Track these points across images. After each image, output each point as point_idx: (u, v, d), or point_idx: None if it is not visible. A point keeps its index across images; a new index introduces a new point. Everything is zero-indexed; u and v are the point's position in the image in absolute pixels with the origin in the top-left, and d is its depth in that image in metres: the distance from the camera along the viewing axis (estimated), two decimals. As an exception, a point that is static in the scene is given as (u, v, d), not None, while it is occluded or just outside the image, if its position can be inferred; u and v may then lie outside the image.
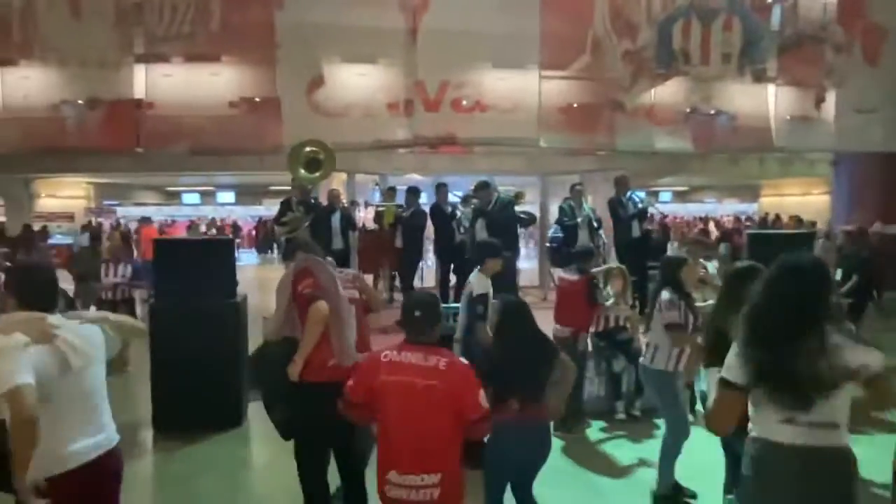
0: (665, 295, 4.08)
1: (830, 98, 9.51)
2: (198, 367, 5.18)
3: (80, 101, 8.09)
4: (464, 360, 2.74)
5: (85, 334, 2.38)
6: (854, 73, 9.13)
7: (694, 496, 4.08)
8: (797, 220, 14.59)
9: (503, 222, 6.92)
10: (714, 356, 3.03)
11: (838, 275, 7.29)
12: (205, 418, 5.29)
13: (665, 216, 15.74)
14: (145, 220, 13.58)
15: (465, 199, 8.13)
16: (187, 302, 5.21)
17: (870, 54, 9.10)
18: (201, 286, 5.21)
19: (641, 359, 4.29)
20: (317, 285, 3.35)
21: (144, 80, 8.03)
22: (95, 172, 17.99)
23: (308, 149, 6.44)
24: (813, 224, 13.44)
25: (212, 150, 9.10)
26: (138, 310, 7.67)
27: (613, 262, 6.64)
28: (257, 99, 8.26)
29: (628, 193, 7.95)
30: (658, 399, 4.30)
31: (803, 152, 12.96)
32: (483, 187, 7.00)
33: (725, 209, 26.76)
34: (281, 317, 3.50)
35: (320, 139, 6.70)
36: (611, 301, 5.61)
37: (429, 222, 8.34)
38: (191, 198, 27.35)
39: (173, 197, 27.62)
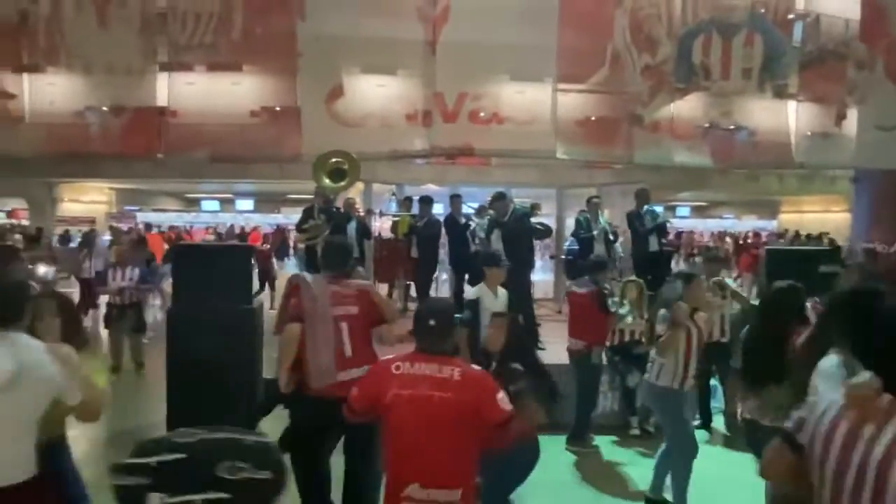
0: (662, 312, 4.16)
1: (852, 115, 9.40)
2: (213, 372, 5.20)
3: (104, 108, 8.22)
4: (477, 367, 2.68)
5: (22, 359, 2.09)
6: (876, 89, 9.03)
7: None
8: (826, 239, 14.40)
9: (519, 234, 6.91)
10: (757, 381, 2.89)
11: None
12: (219, 423, 5.30)
13: (680, 232, 15.59)
14: (149, 228, 13.83)
15: (480, 211, 8.14)
16: (204, 307, 5.26)
17: (892, 71, 8.99)
18: (219, 292, 5.25)
19: (646, 375, 4.26)
20: (297, 306, 3.47)
21: (167, 88, 8.16)
22: (117, 178, 18.28)
23: (334, 159, 6.51)
24: (831, 241, 13.29)
25: (231, 158, 9.22)
26: (148, 315, 7.74)
27: (630, 276, 6.59)
28: (278, 108, 8.35)
29: (646, 207, 7.92)
30: (661, 417, 4.30)
31: (823, 169, 12.82)
32: (499, 198, 7.00)
33: (744, 225, 26.51)
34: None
35: (345, 150, 6.78)
36: (626, 310, 5.57)
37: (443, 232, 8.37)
38: (210, 205, 27.67)
39: (193, 204, 27.96)
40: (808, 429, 1.63)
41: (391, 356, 2.64)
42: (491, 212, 7.40)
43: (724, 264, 6.10)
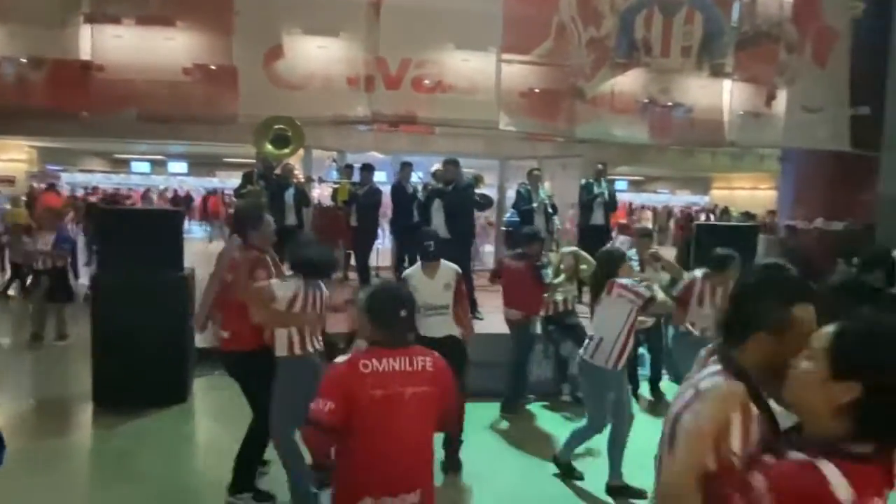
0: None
1: (781, 96, 9.78)
2: (141, 341, 5.06)
3: (22, 60, 7.69)
4: (437, 354, 2.44)
5: None
6: (804, 72, 9.39)
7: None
8: (746, 215, 15.08)
9: (461, 205, 6.92)
10: None
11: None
12: (148, 394, 5.17)
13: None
14: (50, 188, 13.12)
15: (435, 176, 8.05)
16: (131, 275, 5.06)
17: (820, 55, 9.37)
18: (147, 259, 5.06)
19: (581, 351, 4.26)
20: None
21: (92, 41, 7.68)
22: (38, 135, 17.16)
23: (277, 126, 6.30)
24: (752, 217, 13.89)
25: (162, 117, 8.78)
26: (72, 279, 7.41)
27: (568, 248, 6.71)
28: (213, 67, 8.00)
29: (601, 181, 8.12)
30: (585, 392, 4.44)
31: (753, 148, 13.33)
32: (453, 163, 6.99)
33: (679, 200, 27.40)
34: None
35: (285, 113, 6.57)
36: (561, 279, 5.67)
37: (386, 200, 8.27)
38: (140, 166, 26.40)
39: (122, 165, 26.61)
40: None
41: (347, 356, 2.31)
42: (432, 182, 7.37)
43: (652, 238, 6.41)
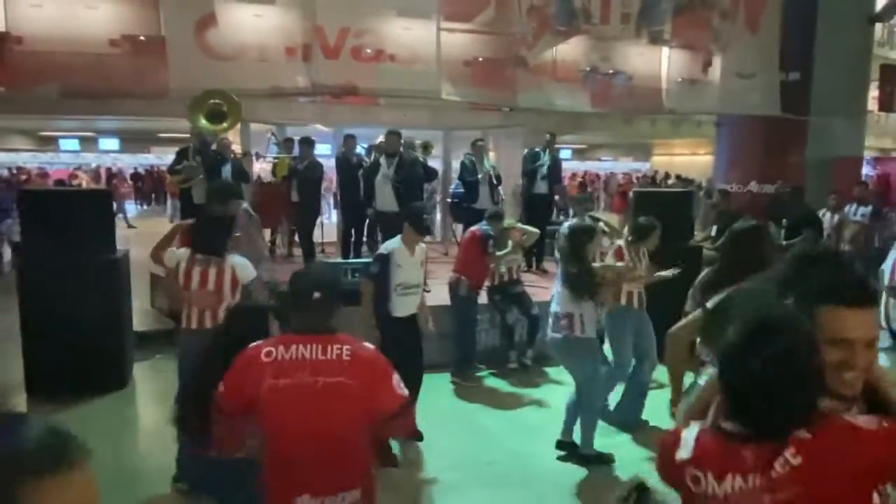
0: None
1: (716, 62, 10.00)
2: (74, 326, 4.85)
3: (-66, 33, 7.12)
4: (368, 345, 2.25)
5: None
6: (737, 39, 9.61)
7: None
8: (682, 180, 15.52)
9: (410, 180, 6.90)
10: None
11: (713, 231, 7.84)
12: (85, 380, 5.00)
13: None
14: None
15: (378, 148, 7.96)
16: (60, 258, 4.83)
17: (752, 21, 9.60)
18: (76, 241, 4.84)
19: (556, 333, 4.13)
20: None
21: (9, 12, 7.16)
22: (-48, 113, 16.05)
23: (212, 100, 6.07)
24: (690, 181, 14.30)
25: (88, 93, 8.31)
26: None
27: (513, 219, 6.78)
28: (142, 38, 7.58)
29: (542, 150, 8.17)
30: (568, 365, 4.28)
31: (690, 114, 13.65)
32: (396, 135, 6.95)
33: (621, 167, 27.97)
34: None
35: (220, 86, 6.33)
36: (507, 251, 5.74)
37: (330, 174, 8.14)
38: (69, 144, 25.08)
39: (49, 142, 25.24)
40: None
41: (260, 342, 2.18)
42: (377, 154, 7.28)
43: (591, 205, 6.63)
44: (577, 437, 4.22)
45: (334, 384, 2.06)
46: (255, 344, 2.17)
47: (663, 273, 4.59)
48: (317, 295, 2.15)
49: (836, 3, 10.11)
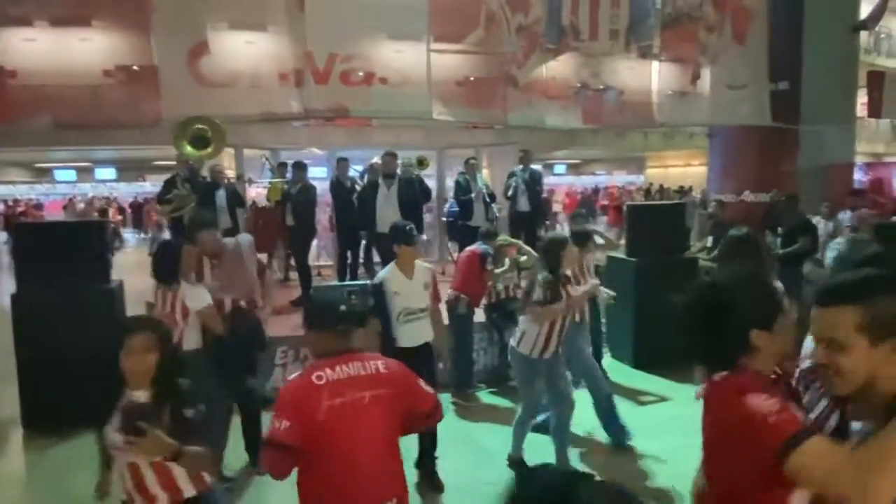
0: (541, 276, 3.92)
1: (705, 74, 10.10)
2: (70, 358, 4.81)
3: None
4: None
5: None
6: (725, 51, 9.72)
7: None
8: (682, 191, 15.55)
9: (407, 200, 6.93)
10: None
11: (709, 241, 7.85)
12: (82, 414, 4.88)
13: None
14: None
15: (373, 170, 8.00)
16: (55, 290, 4.82)
17: (739, 34, 9.71)
18: (70, 272, 4.83)
19: (512, 340, 4.19)
20: None
21: (2, 46, 7.25)
22: (-52, 147, 16.12)
23: (196, 126, 6.09)
24: (685, 192, 14.28)
25: (80, 123, 8.36)
26: None
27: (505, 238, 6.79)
28: (135, 67, 7.66)
29: (520, 168, 8.17)
30: (516, 380, 4.44)
31: (681, 127, 13.74)
32: (391, 156, 6.98)
33: (616, 180, 28.08)
34: None
35: (209, 113, 6.37)
36: (502, 269, 5.75)
37: (324, 198, 8.15)
38: (65, 174, 25.18)
39: (44, 174, 25.33)
40: None
41: (299, 372, 2.31)
42: (370, 175, 7.30)
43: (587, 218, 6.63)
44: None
45: (381, 396, 2.23)
46: (297, 375, 2.29)
47: (586, 289, 4.37)
48: (343, 316, 2.32)
49: (821, 13, 10.25)
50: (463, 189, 7.91)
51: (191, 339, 3.79)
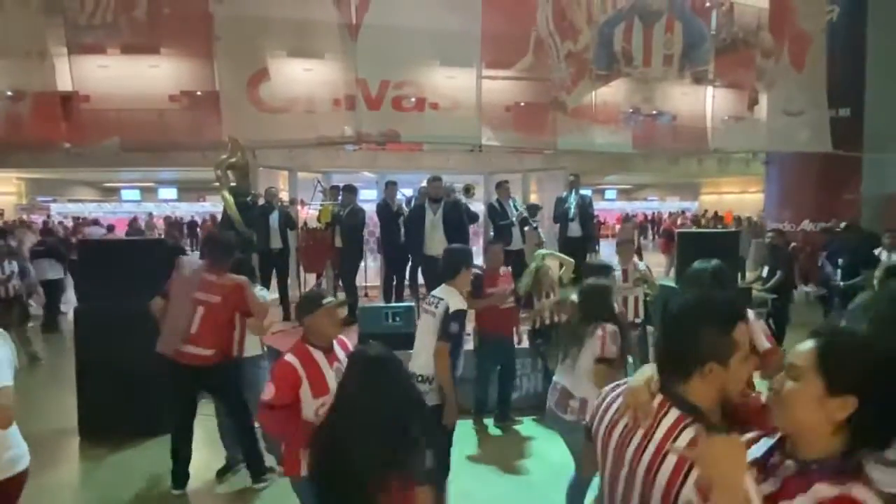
0: (609, 327, 3.50)
1: (763, 100, 9.87)
2: (126, 372, 5.01)
3: (9, 93, 7.71)
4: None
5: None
6: (782, 77, 9.50)
7: None
8: (741, 220, 15.12)
9: (453, 222, 6.98)
10: None
11: (765, 271, 7.59)
12: (135, 425, 5.13)
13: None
14: None
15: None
16: (114, 305, 5.04)
17: (796, 60, 9.48)
18: (128, 288, 5.04)
19: (569, 413, 3.63)
20: (168, 283, 4.34)
21: (77, 72, 7.71)
22: (25, 168, 17.19)
23: (229, 160, 6.58)
24: (739, 221, 13.90)
25: (146, 146, 8.81)
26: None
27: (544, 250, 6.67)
28: (199, 93, 8.04)
29: (572, 192, 8.14)
30: (575, 452, 3.72)
31: (737, 153, 13.43)
32: (437, 180, 7.08)
33: (668, 207, 27.53)
34: None
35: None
36: (553, 299, 5.68)
37: (372, 220, 8.30)
38: (130, 194, 26.44)
39: (111, 193, 26.64)
40: (593, 420, 1.68)
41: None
42: (419, 198, 7.38)
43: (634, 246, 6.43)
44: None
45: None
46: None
47: None
48: None
49: (884, 38, 9.92)
50: (499, 213, 7.91)
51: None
